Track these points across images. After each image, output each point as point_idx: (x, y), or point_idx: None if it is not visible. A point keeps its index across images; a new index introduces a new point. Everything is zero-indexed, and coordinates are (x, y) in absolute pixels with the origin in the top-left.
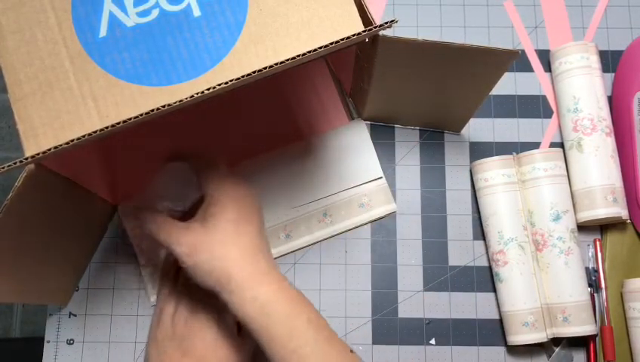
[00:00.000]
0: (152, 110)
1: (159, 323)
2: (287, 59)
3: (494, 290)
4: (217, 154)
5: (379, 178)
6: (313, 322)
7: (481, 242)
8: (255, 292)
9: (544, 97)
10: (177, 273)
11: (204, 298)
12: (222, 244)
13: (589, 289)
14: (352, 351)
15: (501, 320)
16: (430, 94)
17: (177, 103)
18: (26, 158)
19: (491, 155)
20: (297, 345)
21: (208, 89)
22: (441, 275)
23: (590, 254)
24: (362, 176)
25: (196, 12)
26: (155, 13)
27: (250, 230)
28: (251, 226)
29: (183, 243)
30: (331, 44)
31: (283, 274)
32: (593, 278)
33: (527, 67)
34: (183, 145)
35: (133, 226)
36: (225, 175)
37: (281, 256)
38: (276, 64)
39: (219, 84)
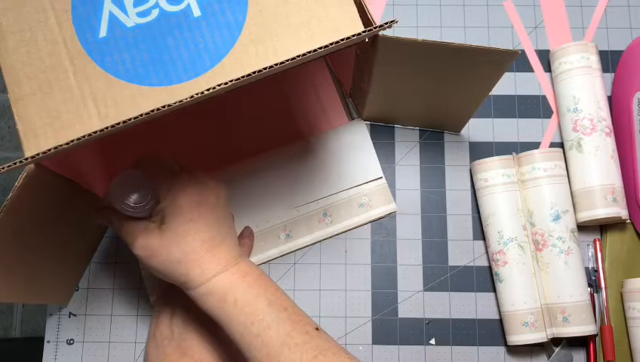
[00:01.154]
0: (152, 110)
1: (158, 323)
2: (287, 60)
3: (494, 290)
4: (169, 156)
5: (379, 178)
6: (274, 304)
7: (481, 242)
8: (213, 285)
9: (544, 97)
10: None
11: None
12: (177, 245)
13: (589, 289)
14: (317, 329)
15: (501, 320)
16: (430, 94)
17: (177, 103)
18: (26, 158)
19: (491, 155)
20: (260, 329)
21: (208, 89)
22: (441, 275)
23: (590, 254)
24: (362, 176)
25: (196, 12)
26: (155, 13)
27: (205, 223)
28: (206, 219)
29: (142, 246)
30: (331, 44)
31: (246, 258)
32: (593, 278)
33: (527, 67)
34: (182, 145)
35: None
36: (176, 175)
37: (281, 256)
38: (276, 64)
39: (219, 84)
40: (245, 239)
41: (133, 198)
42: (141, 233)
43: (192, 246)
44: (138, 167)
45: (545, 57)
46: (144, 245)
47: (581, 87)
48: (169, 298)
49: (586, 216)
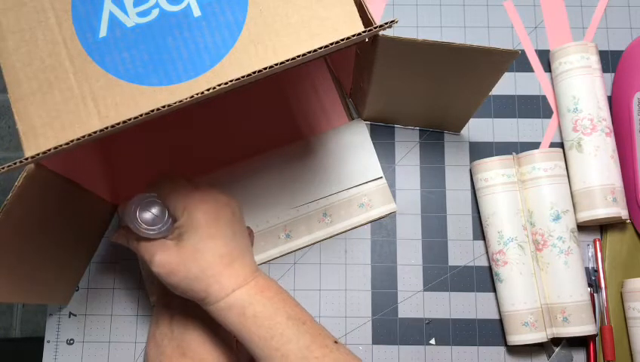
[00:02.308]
0: (152, 110)
1: (158, 324)
2: (287, 60)
3: (494, 290)
4: (178, 173)
5: (379, 178)
6: (293, 318)
7: (481, 242)
8: (232, 300)
9: (544, 97)
10: None
11: None
12: (195, 261)
13: (589, 289)
14: (336, 342)
15: (501, 320)
16: (430, 94)
17: (177, 103)
18: (26, 158)
19: (491, 155)
20: (280, 343)
21: (208, 89)
22: (441, 275)
23: (590, 254)
24: (362, 176)
25: (196, 12)
26: (155, 13)
27: (223, 239)
28: (223, 235)
29: (160, 264)
30: (331, 44)
31: (262, 273)
32: (593, 278)
33: (527, 67)
34: (182, 145)
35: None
36: (190, 192)
37: (281, 256)
38: (276, 64)
39: (219, 85)
40: None
41: (150, 220)
42: (159, 251)
43: (210, 262)
44: (152, 188)
45: (545, 57)
46: (163, 262)
47: (581, 87)
48: (169, 298)
49: (586, 216)
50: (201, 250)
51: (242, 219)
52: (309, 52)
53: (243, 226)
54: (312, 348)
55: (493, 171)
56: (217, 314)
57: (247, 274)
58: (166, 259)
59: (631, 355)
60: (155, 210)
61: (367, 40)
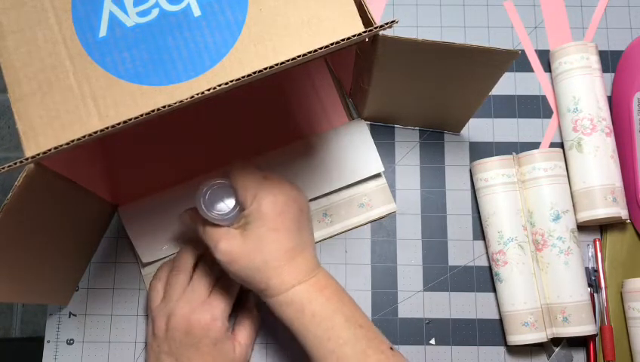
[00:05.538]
0: (152, 110)
1: (154, 337)
2: (287, 60)
3: (494, 290)
4: (252, 162)
5: (379, 177)
6: (351, 320)
7: (481, 242)
8: (292, 295)
9: (544, 97)
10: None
11: (197, 306)
12: (259, 252)
13: (589, 289)
14: (391, 348)
15: (501, 320)
16: (430, 94)
17: (177, 103)
18: (26, 159)
19: (491, 155)
20: (336, 345)
21: (208, 89)
22: (441, 275)
23: (590, 254)
24: (364, 171)
25: (196, 12)
26: (155, 12)
27: (287, 233)
28: (288, 228)
29: (223, 252)
30: (331, 44)
31: (324, 270)
32: (593, 278)
33: (527, 67)
34: (182, 145)
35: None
36: (261, 183)
37: None
38: (276, 64)
39: (219, 84)
40: None
41: (218, 206)
42: (224, 238)
43: (273, 255)
44: (224, 174)
45: (545, 57)
46: (226, 250)
47: (581, 87)
48: (162, 308)
49: (586, 216)
50: (266, 242)
51: (309, 214)
52: (310, 52)
53: (309, 222)
54: (369, 352)
55: (493, 171)
56: (275, 308)
57: (309, 270)
58: (230, 247)
59: (631, 355)
60: (224, 197)
61: (367, 40)
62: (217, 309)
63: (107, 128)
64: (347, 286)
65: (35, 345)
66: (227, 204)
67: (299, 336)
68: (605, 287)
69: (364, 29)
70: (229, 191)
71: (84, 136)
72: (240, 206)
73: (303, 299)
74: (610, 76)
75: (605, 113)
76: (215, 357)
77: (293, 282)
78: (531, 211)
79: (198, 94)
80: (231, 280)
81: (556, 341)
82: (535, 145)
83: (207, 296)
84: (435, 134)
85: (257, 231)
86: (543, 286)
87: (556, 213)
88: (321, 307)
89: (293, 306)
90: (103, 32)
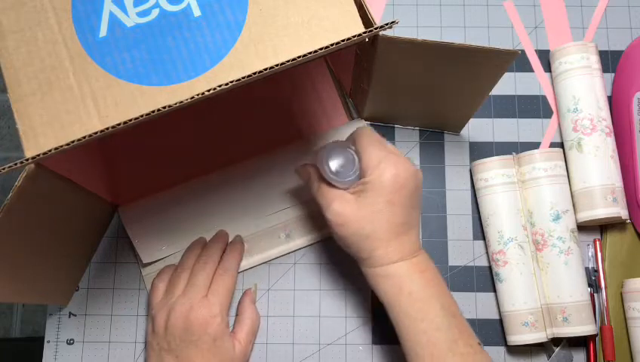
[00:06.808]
0: (152, 110)
1: (154, 334)
2: (288, 60)
3: (494, 290)
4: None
5: None
6: (446, 308)
7: (481, 242)
8: (393, 270)
9: (544, 97)
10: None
11: (196, 303)
12: (370, 221)
13: (589, 289)
14: (479, 344)
15: (501, 320)
16: (430, 94)
17: (177, 103)
18: (27, 159)
19: (491, 155)
20: (429, 327)
21: (208, 89)
22: None
23: (590, 254)
24: None
25: (196, 12)
26: (155, 13)
27: (401, 208)
28: (403, 204)
29: (336, 213)
30: (332, 44)
31: (425, 252)
32: (593, 278)
33: (527, 67)
34: (182, 145)
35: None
36: (385, 152)
37: (281, 256)
38: (276, 65)
39: (219, 85)
40: (235, 253)
41: (339, 167)
42: (337, 199)
43: (384, 227)
44: (350, 139)
45: (545, 57)
46: (339, 212)
47: (581, 87)
48: (162, 305)
49: (586, 216)
50: (380, 213)
51: (421, 194)
52: (310, 52)
53: (421, 201)
54: (459, 342)
55: (493, 171)
56: (372, 278)
57: (413, 249)
58: (343, 209)
59: (631, 355)
60: (347, 160)
61: (367, 40)
62: (216, 306)
63: (107, 129)
64: (347, 286)
65: (35, 345)
66: (347, 168)
67: (391, 311)
68: (605, 287)
69: (364, 30)
70: (352, 156)
71: (84, 137)
72: (360, 172)
73: (403, 276)
74: (610, 76)
75: (605, 113)
76: (215, 354)
77: (396, 258)
78: (531, 211)
79: (198, 94)
80: (228, 277)
81: (556, 341)
82: (535, 145)
83: (206, 292)
84: (435, 134)
85: (373, 200)
86: (543, 286)
87: (556, 213)
88: (419, 288)
89: (392, 280)
90: (103, 32)
